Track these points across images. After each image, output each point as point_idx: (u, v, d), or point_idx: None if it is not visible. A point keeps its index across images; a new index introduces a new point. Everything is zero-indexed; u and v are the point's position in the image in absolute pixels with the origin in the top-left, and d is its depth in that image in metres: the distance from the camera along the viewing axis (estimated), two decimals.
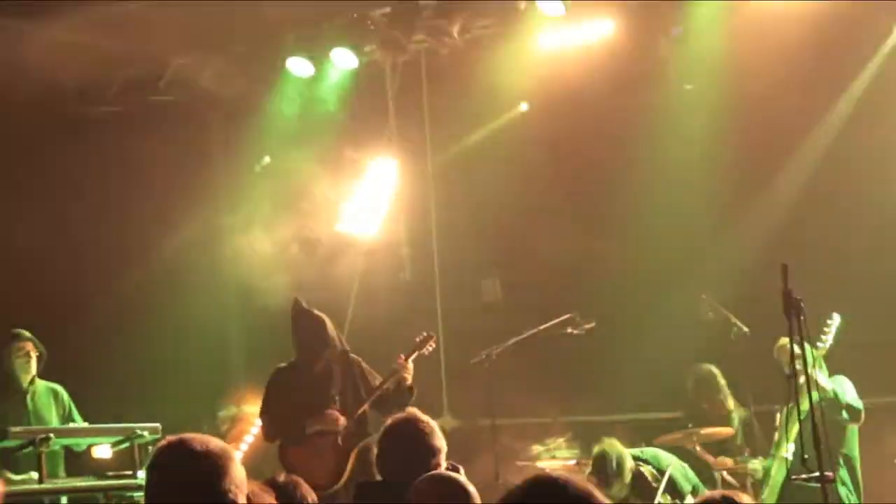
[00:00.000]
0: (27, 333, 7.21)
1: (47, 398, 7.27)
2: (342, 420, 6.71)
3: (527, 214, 9.14)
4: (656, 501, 6.41)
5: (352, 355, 6.98)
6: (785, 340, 6.79)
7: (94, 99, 9.75)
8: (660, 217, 8.63)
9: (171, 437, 2.90)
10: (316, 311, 6.94)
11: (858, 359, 6.96)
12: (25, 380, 7.21)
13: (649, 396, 8.38)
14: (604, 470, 6.50)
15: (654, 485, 6.49)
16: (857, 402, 6.54)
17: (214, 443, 2.87)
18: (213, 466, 2.83)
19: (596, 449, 6.65)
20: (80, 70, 8.81)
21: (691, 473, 6.75)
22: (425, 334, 6.85)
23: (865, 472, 6.83)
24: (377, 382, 6.82)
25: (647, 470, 6.59)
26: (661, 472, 6.58)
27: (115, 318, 9.31)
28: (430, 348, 6.86)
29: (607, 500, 2.16)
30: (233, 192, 9.88)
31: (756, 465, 6.81)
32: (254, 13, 8.34)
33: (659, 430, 7.63)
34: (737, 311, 7.69)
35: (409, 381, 6.74)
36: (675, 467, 6.64)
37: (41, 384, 7.28)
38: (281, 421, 6.77)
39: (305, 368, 6.85)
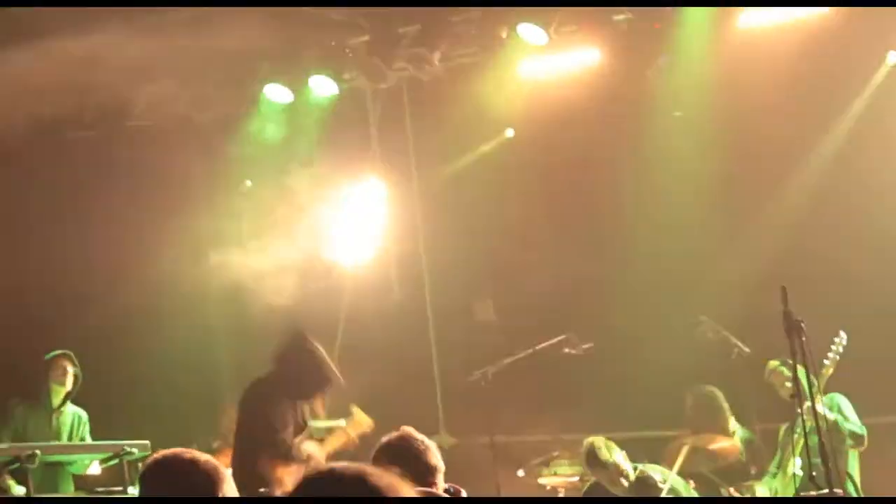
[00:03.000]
0: (68, 352, 7.31)
1: (71, 420, 7.33)
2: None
3: (515, 237, 9.14)
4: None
5: None
6: (774, 363, 6.81)
7: (71, 124, 9.67)
8: (652, 239, 8.62)
9: (163, 451, 2.84)
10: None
11: (860, 378, 6.91)
12: (58, 396, 7.25)
13: (649, 415, 8.31)
14: (595, 458, 6.62)
15: (661, 485, 6.47)
16: (860, 428, 6.50)
17: (207, 458, 2.82)
18: (205, 481, 2.78)
19: (584, 444, 6.78)
20: (55, 96, 8.76)
21: (693, 491, 6.71)
22: None
23: (870, 492, 6.77)
24: None
25: (657, 476, 6.59)
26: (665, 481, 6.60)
27: (103, 337, 9.21)
28: None
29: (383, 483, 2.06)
30: (217, 215, 9.80)
31: (762, 487, 6.75)
32: (231, 40, 8.29)
33: (660, 448, 7.57)
34: (736, 331, 7.66)
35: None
36: (678, 480, 6.67)
37: (69, 407, 7.35)
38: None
39: None
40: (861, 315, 7.23)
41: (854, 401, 6.70)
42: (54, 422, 7.21)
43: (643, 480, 6.58)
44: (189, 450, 2.96)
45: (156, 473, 2.92)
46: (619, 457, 6.63)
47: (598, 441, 6.67)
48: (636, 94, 8.57)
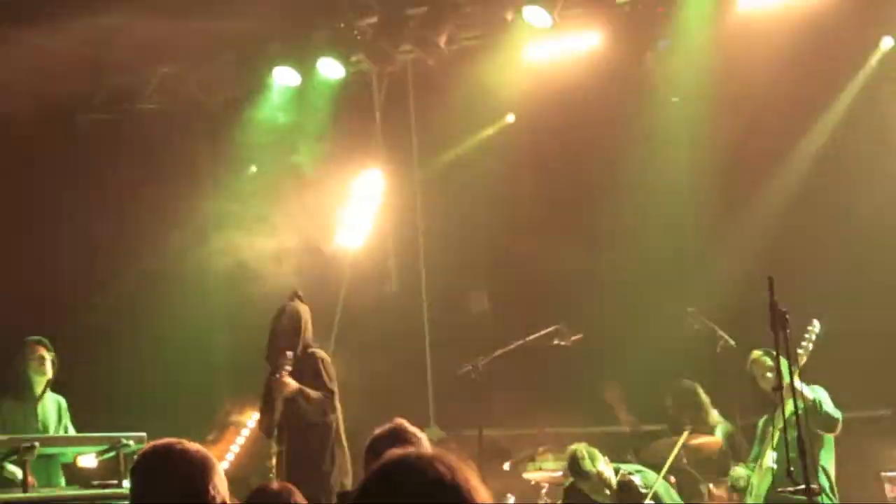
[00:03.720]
0: (42, 339, 7.21)
1: (53, 409, 7.28)
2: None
3: (514, 226, 9.16)
4: None
5: (313, 353, 6.86)
6: (758, 353, 6.82)
7: (82, 107, 9.72)
8: (648, 229, 8.66)
9: (156, 441, 2.91)
10: (276, 323, 6.88)
11: (841, 372, 6.98)
12: (40, 385, 7.19)
13: (636, 409, 8.39)
14: (577, 463, 6.58)
15: (644, 490, 6.50)
16: (836, 412, 6.55)
17: (198, 448, 2.88)
18: (196, 470, 2.85)
19: (567, 451, 6.74)
20: (67, 79, 8.80)
21: (675, 495, 6.76)
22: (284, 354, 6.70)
23: (847, 486, 6.83)
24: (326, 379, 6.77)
25: (638, 480, 6.60)
26: (649, 486, 6.61)
27: (102, 327, 9.27)
28: (287, 366, 6.66)
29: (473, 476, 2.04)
30: (219, 201, 9.86)
31: (740, 472, 6.81)
32: (241, 22, 8.34)
33: (646, 442, 7.65)
34: (725, 323, 7.71)
35: (288, 392, 6.62)
36: (662, 484, 6.67)
37: (49, 395, 7.28)
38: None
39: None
40: (841, 307, 7.31)
41: (833, 393, 6.76)
42: (39, 412, 7.16)
43: (625, 486, 6.56)
44: (180, 440, 3.01)
45: (146, 464, 2.97)
46: (601, 465, 6.57)
47: (581, 450, 6.59)
48: (635, 78, 8.59)
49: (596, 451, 6.66)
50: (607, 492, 6.59)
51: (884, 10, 8.13)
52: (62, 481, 6.91)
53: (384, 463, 2.06)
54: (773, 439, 6.33)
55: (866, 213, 8.13)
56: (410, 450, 2.10)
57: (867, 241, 7.99)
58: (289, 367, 6.62)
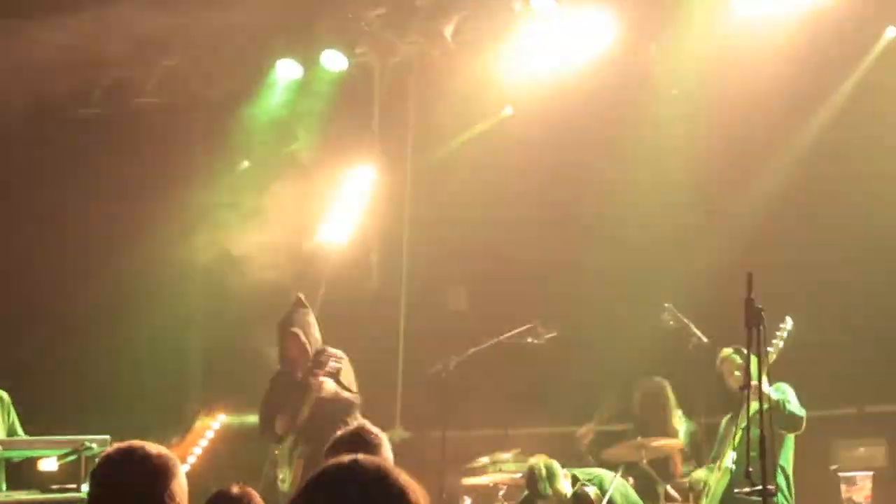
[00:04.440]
0: None
1: None
2: (284, 426, 6.93)
3: (497, 223, 9.12)
4: None
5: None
6: (728, 351, 6.82)
7: (80, 101, 9.64)
8: (629, 225, 8.65)
9: (118, 445, 2.90)
10: (293, 327, 7.02)
11: (806, 370, 7.01)
12: None
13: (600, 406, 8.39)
14: (534, 483, 6.57)
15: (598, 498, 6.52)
16: (800, 410, 6.56)
17: (159, 453, 2.87)
18: (154, 476, 2.84)
19: (527, 465, 6.71)
20: (66, 73, 8.74)
21: (633, 494, 6.77)
22: (322, 351, 6.86)
23: (808, 486, 6.79)
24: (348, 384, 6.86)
25: (592, 491, 6.60)
26: (605, 492, 6.61)
27: (70, 326, 9.21)
28: (334, 365, 6.81)
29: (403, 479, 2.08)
30: (208, 197, 9.77)
31: (700, 474, 6.84)
32: (245, 14, 8.28)
33: (611, 442, 7.65)
34: (703, 318, 7.66)
35: (329, 391, 6.73)
36: (617, 488, 6.66)
37: None
38: (266, 424, 7.05)
39: (283, 374, 7.09)
40: (802, 305, 7.34)
41: (796, 391, 6.78)
42: None
43: (580, 499, 6.57)
44: (143, 444, 2.99)
45: (103, 470, 2.95)
46: (559, 483, 6.54)
47: (540, 469, 6.55)
48: (637, 72, 8.57)
49: (555, 467, 6.61)
50: None
51: (886, 4, 8.12)
52: (3, 486, 6.79)
53: (319, 471, 2.09)
54: (734, 439, 6.34)
55: (848, 212, 8.11)
56: (349, 457, 2.11)
57: (855, 237, 7.97)
58: (337, 365, 6.65)
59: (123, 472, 2.88)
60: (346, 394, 6.75)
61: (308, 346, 6.99)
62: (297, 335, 6.96)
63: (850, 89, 8.33)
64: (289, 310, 7.12)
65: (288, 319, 7.05)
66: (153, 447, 2.92)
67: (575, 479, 6.70)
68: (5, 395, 7.19)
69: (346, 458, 2.11)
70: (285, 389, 7.00)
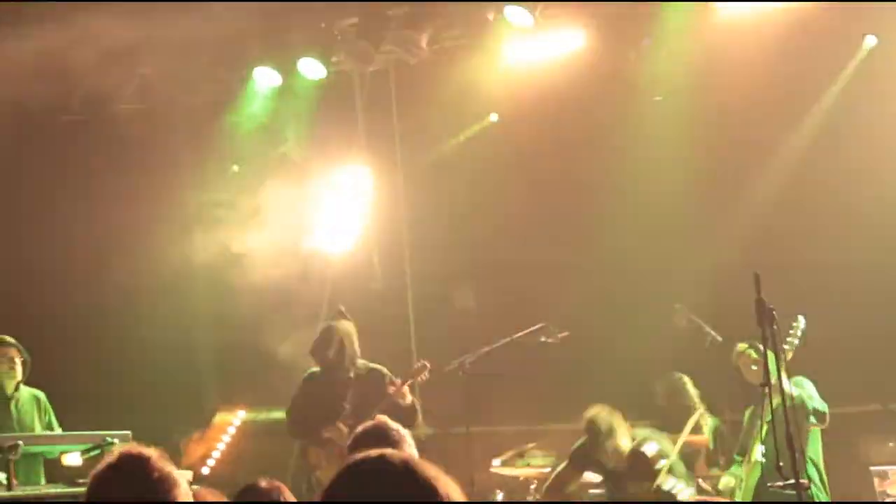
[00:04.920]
0: (11, 339, 7.14)
1: (30, 405, 7.21)
2: (345, 432, 7.04)
3: (499, 223, 9.16)
4: (658, 482, 6.38)
5: (375, 368, 7.34)
6: (743, 346, 6.86)
7: (60, 108, 9.65)
8: (634, 226, 8.66)
9: (117, 453, 2.84)
10: (339, 328, 7.30)
11: (831, 367, 6.99)
12: (10, 386, 7.14)
13: (623, 405, 8.38)
14: (594, 435, 6.56)
15: (657, 466, 6.42)
16: (822, 405, 6.58)
17: (160, 467, 2.81)
18: (160, 479, 2.80)
19: (586, 415, 6.69)
20: (45, 79, 8.74)
21: (683, 467, 6.73)
22: (421, 363, 7.17)
23: (838, 481, 6.83)
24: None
25: (650, 450, 6.50)
26: (664, 456, 6.53)
27: (88, 325, 9.25)
28: (425, 377, 7.12)
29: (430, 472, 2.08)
30: (203, 200, 9.81)
31: (728, 481, 6.81)
32: (220, 23, 8.29)
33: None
34: (712, 319, 7.72)
35: (408, 400, 7.03)
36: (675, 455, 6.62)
37: (25, 390, 7.22)
38: (300, 423, 7.30)
39: (327, 378, 7.28)
40: (832, 303, 7.32)
41: (822, 388, 6.78)
42: (13, 409, 7.10)
43: (636, 457, 6.47)
44: (149, 453, 2.91)
45: (106, 480, 2.90)
46: (620, 439, 6.52)
47: (601, 421, 6.55)
48: (618, 77, 8.61)
49: (614, 424, 6.59)
50: (620, 461, 6.54)
51: (867, 10, 8.15)
52: (42, 480, 6.85)
53: (350, 463, 2.11)
54: (760, 432, 6.34)
55: (854, 208, 8.15)
56: (377, 451, 2.12)
57: (855, 237, 8.01)
58: (426, 376, 7.01)
59: (124, 485, 2.82)
60: (417, 406, 7.02)
61: (354, 348, 7.24)
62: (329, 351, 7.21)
63: (841, 87, 8.35)
64: (331, 318, 7.46)
65: (331, 328, 7.33)
66: (156, 460, 2.86)
67: (634, 439, 6.62)
68: (41, 395, 7.29)
69: (374, 451, 2.12)
70: (322, 391, 7.22)
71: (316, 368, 7.39)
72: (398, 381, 7.06)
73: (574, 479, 6.83)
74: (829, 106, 8.43)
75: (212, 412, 9.18)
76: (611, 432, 6.55)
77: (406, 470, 2.06)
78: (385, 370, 7.29)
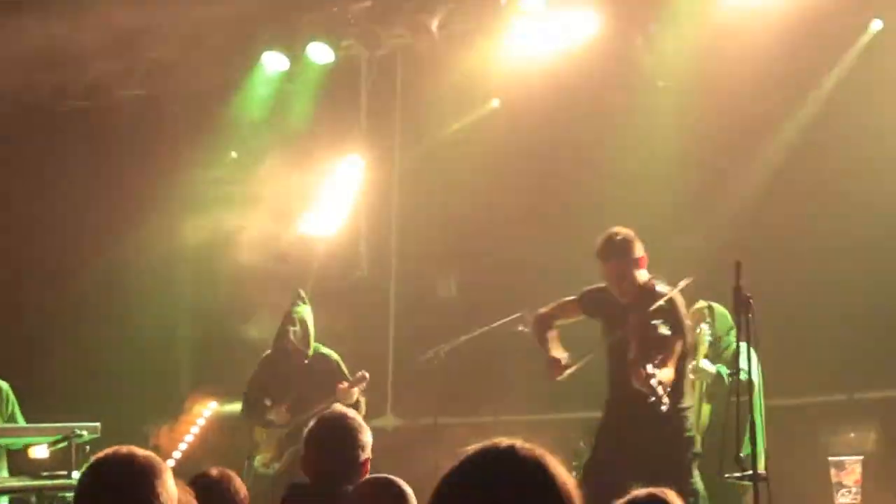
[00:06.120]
0: None
1: None
2: (287, 418, 7.12)
3: (488, 212, 9.13)
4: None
5: (326, 355, 7.30)
6: (702, 304, 6.74)
7: (66, 94, 9.58)
8: (618, 214, 8.62)
9: (102, 452, 2.88)
10: (296, 312, 7.28)
11: (797, 357, 7.01)
12: None
13: (595, 395, 8.39)
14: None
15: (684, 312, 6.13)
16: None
17: (145, 453, 2.87)
18: (142, 471, 2.83)
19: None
20: (52, 65, 8.69)
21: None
22: (361, 374, 7.13)
23: (798, 471, 6.83)
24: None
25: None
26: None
27: (62, 315, 9.23)
28: (363, 388, 7.12)
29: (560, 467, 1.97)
30: (196, 187, 9.73)
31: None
32: (230, 6, 8.25)
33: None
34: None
35: (353, 399, 6.99)
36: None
37: None
38: (251, 404, 7.34)
39: (281, 361, 7.28)
40: (816, 293, 7.32)
41: (787, 378, 6.75)
42: None
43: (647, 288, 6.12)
44: (131, 448, 2.95)
45: (92, 477, 2.94)
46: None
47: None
48: (624, 64, 8.56)
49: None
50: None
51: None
52: (5, 472, 6.81)
53: (473, 454, 1.99)
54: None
55: (838, 200, 8.11)
56: (506, 442, 2.02)
57: (843, 228, 7.96)
58: (364, 387, 7.09)
59: (109, 473, 2.86)
60: (363, 408, 6.97)
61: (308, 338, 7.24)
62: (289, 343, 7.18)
63: (841, 75, 8.32)
64: (291, 302, 7.36)
65: (292, 312, 7.29)
66: (139, 450, 2.91)
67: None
68: (4, 385, 7.17)
69: (503, 441, 2.01)
70: (275, 372, 7.21)
71: (271, 351, 7.41)
72: (345, 384, 7.06)
73: (571, 316, 6.52)
74: (831, 90, 8.36)
75: (183, 403, 9.16)
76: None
77: (537, 465, 1.93)
78: (337, 358, 7.28)
